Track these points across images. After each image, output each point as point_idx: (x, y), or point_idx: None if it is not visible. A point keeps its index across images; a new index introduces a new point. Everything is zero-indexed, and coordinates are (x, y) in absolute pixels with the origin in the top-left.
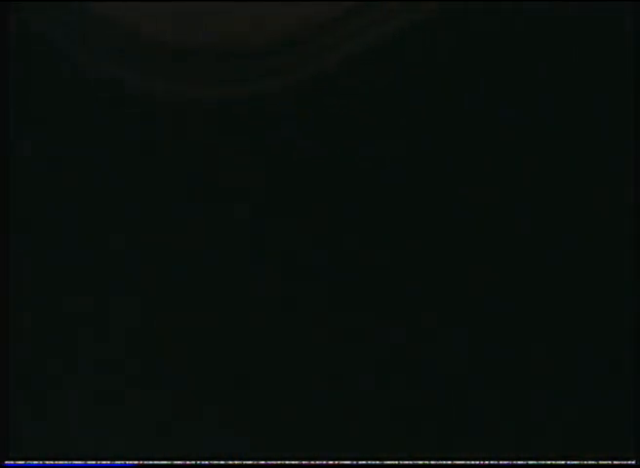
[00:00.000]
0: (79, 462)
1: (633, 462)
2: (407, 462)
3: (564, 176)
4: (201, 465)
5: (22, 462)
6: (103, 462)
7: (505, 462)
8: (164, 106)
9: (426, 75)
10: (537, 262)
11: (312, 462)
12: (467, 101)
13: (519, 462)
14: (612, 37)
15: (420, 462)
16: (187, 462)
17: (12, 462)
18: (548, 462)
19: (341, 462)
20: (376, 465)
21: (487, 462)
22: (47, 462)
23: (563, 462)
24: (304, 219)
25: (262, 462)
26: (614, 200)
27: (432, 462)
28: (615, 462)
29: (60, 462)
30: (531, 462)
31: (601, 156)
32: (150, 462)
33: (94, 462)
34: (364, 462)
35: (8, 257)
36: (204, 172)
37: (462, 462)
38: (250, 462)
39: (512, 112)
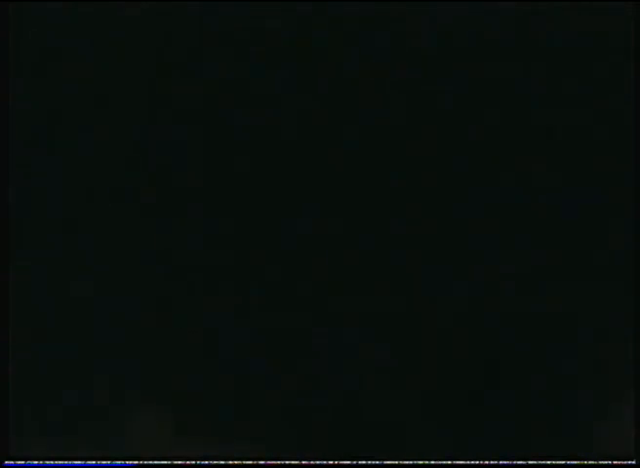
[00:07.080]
0: (79, 462)
1: (633, 462)
2: (407, 462)
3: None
4: (201, 465)
5: (22, 462)
6: (103, 462)
7: (505, 462)
8: None
9: None
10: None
11: (312, 462)
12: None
13: (519, 462)
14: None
15: (421, 462)
16: (187, 462)
17: (12, 462)
18: (548, 462)
19: (341, 462)
20: (376, 465)
21: (487, 462)
22: (47, 462)
23: (563, 462)
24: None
25: (262, 462)
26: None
27: (432, 462)
28: (615, 462)
29: (60, 462)
30: (531, 462)
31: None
32: (150, 462)
33: (94, 462)
34: (364, 462)
35: (7, 258)
36: None
37: (462, 462)
38: (250, 462)
39: None
